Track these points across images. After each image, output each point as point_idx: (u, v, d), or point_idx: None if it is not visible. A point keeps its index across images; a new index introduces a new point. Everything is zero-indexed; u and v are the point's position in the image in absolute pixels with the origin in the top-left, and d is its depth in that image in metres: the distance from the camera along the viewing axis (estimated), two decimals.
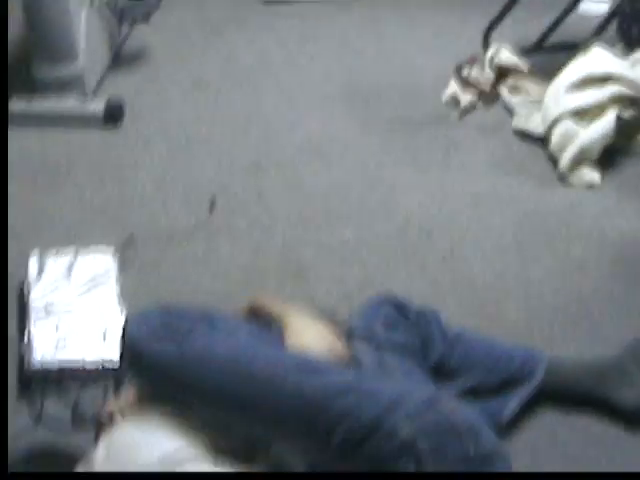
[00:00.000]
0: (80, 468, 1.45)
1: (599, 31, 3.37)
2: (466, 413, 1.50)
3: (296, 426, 1.44)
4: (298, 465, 1.49)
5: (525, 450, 1.89)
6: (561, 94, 2.79)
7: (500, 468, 1.43)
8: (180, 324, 1.56)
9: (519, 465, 1.79)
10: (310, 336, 1.64)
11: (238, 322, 1.70)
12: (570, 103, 2.75)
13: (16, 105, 2.94)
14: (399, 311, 1.94)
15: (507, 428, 1.88)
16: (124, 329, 1.58)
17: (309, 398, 1.42)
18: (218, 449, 1.49)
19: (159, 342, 1.52)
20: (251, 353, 1.52)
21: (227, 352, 1.51)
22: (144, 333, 1.54)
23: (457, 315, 2.12)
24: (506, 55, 3.11)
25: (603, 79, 2.77)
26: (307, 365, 1.48)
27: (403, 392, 1.49)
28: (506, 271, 2.36)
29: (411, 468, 1.36)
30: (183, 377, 1.51)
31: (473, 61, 3.18)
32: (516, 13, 3.25)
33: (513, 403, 1.89)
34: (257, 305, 1.76)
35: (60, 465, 1.63)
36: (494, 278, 2.34)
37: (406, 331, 1.89)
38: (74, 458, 1.56)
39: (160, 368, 1.52)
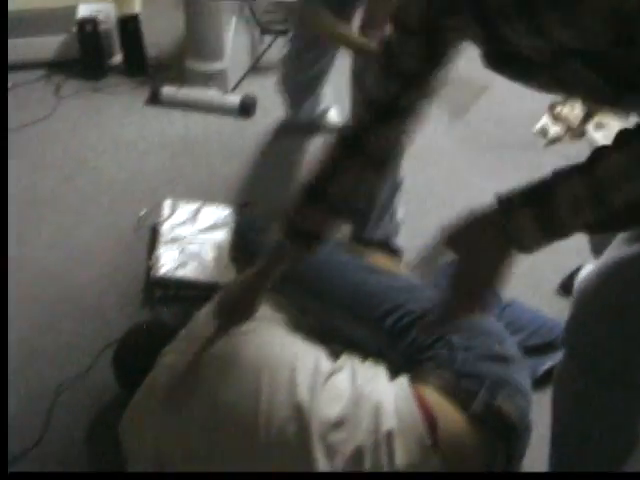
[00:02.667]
0: (193, 320, 1.80)
1: None
2: (496, 324, 1.80)
3: (358, 312, 1.77)
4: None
5: None
6: None
7: (517, 370, 1.71)
8: None
9: (547, 414, 2.07)
10: (381, 263, 1.97)
11: None
12: None
13: (168, 90, 3.40)
14: None
15: (542, 383, 2.08)
16: (236, 224, 1.95)
17: (371, 290, 1.77)
18: (295, 325, 1.83)
19: (260, 234, 1.89)
20: (328, 252, 1.85)
21: None
22: (251, 228, 1.92)
23: (516, 296, 2.38)
24: None
25: None
26: (374, 268, 1.82)
27: None
28: (567, 271, 2.58)
29: (444, 353, 1.66)
30: None
31: (565, 101, 3.43)
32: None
33: (549, 362, 2.12)
34: None
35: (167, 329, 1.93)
36: (554, 274, 2.58)
37: None
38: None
39: (256, 255, 1.87)
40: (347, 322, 1.82)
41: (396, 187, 2.38)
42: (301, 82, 2.94)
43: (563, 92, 1.25)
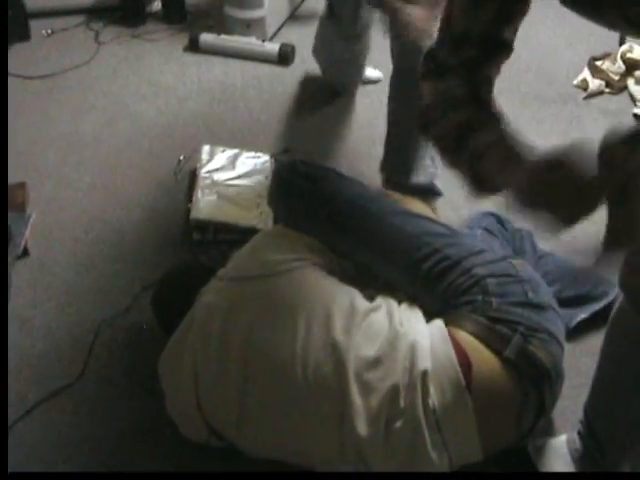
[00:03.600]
0: (231, 260, 1.83)
1: None
2: (532, 271, 1.81)
3: (396, 256, 1.78)
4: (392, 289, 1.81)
5: (588, 353, 2.14)
6: None
7: (551, 318, 1.71)
8: (318, 171, 1.94)
9: (580, 364, 2.08)
10: (419, 209, 1.98)
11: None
12: None
13: (207, 37, 3.39)
14: (500, 223, 2.22)
15: (576, 334, 2.13)
16: (276, 167, 1.97)
17: (409, 234, 1.78)
18: (331, 269, 1.85)
19: (300, 178, 1.91)
20: (368, 197, 1.88)
21: (350, 194, 1.87)
22: (290, 171, 1.93)
23: (551, 247, 2.36)
24: (638, 51, 3.32)
25: None
26: (412, 213, 1.82)
27: (486, 248, 1.82)
28: (601, 221, 2.55)
29: (479, 299, 1.67)
30: (312, 206, 1.88)
31: (607, 56, 3.39)
32: None
33: (582, 315, 2.14)
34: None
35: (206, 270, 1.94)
36: (589, 224, 2.55)
37: (502, 239, 2.16)
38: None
39: (297, 196, 1.90)
40: (383, 265, 1.84)
41: None
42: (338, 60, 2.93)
43: (633, 33, 1.24)
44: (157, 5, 3.71)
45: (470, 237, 1.93)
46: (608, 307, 2.15)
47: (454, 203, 2.59)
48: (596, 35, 3.67)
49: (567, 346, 2.02)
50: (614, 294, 2.17)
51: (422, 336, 1.61)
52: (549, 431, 1.90)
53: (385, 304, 1.71)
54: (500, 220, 2.22)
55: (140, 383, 2.01)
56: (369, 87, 3.19)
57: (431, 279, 1.72)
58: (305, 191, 1.88)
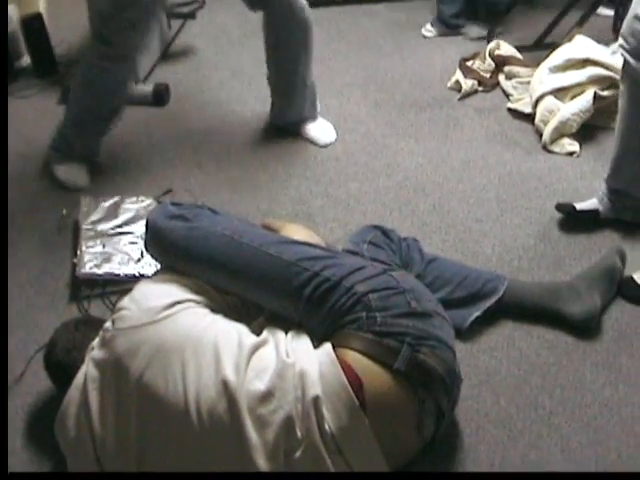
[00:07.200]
0: (115, 311, 1.80)
1: None
2: (413, 280, 1.83)
3: (277, 285, 1.78)
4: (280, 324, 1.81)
5: (486, 350, 2.18)
6: (545, 75, 3.07)
7: (437, 324, 1.73)
8: (190, 210, 1.93)
9: (479, 362, 2.12)
10: (298, 234, 1.98)
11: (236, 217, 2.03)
12: (553, 82, 3.03)
13: None
14: (385, 234, 2.24)
15: (472, 333, 2.18)
16: (148, 215, 1.96)
17: (286, 262, 1.77)
18: (215, 307, 1.84)
19: (173, 220, 1.90)
20: (243, 230, 1.88)
21: (224, 229, 1.87)
22: (162, 215, 1.92)
23: (440, 250, 2.45)
24: (505, 47, 3.42)
25: (583, 62, 3.04)
26: (289, 240, 1.83)
27: (365, 264, 1.83)
28: (486, 218, 2.65)
29: (363, 315, 1.68)
30: (189, 247, 1.87)
31: (476, 55, 3.48)
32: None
33: (476, 313, 2.18)
34: (264, 224, 2.10)
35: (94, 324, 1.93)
36: (475, 223, 2.63)
37: (389, 250, 2.19)
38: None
39: (172, 239, 1.89)
40: (265, 297, 1.83)
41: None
42: None
43: None
44: (26, 60, 3.65)
45: (349, 255, 1.94)
46: (499, 302, 2.20)
47: (340, 220, 2.62)
48: (461, 37, 3.78)
49: (464, 346, 2.07)
50: (503, 289, 2.21)
51: (310, 363, 1.62)
52: (454, 432, 1.93)
53: (272, 337, 1.71)
54: (384, 231, 2.24)
55: (40, 450, 1.95)
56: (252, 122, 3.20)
57: (314, 303, 1.72)
58: (178, 232, 1.87)
